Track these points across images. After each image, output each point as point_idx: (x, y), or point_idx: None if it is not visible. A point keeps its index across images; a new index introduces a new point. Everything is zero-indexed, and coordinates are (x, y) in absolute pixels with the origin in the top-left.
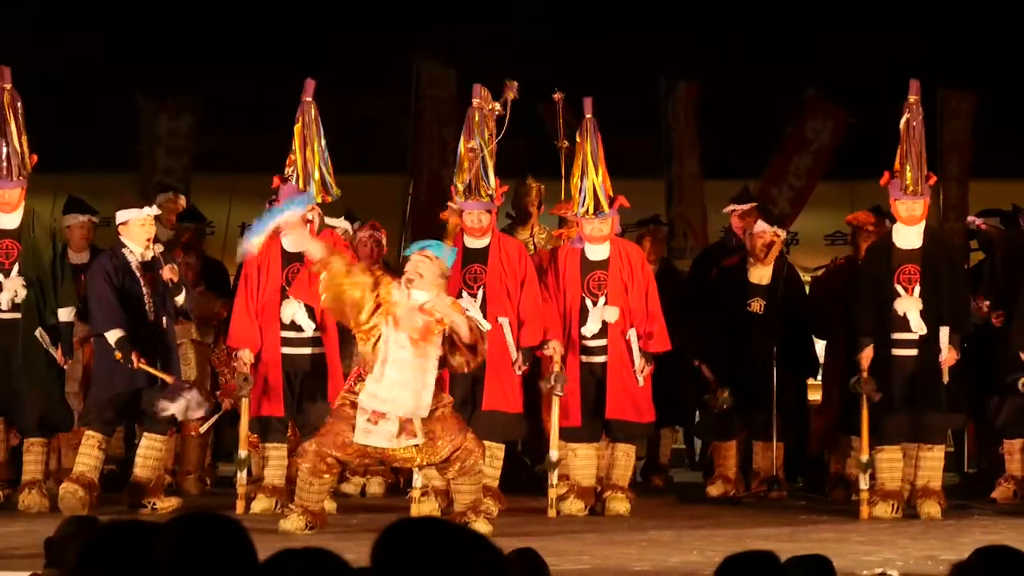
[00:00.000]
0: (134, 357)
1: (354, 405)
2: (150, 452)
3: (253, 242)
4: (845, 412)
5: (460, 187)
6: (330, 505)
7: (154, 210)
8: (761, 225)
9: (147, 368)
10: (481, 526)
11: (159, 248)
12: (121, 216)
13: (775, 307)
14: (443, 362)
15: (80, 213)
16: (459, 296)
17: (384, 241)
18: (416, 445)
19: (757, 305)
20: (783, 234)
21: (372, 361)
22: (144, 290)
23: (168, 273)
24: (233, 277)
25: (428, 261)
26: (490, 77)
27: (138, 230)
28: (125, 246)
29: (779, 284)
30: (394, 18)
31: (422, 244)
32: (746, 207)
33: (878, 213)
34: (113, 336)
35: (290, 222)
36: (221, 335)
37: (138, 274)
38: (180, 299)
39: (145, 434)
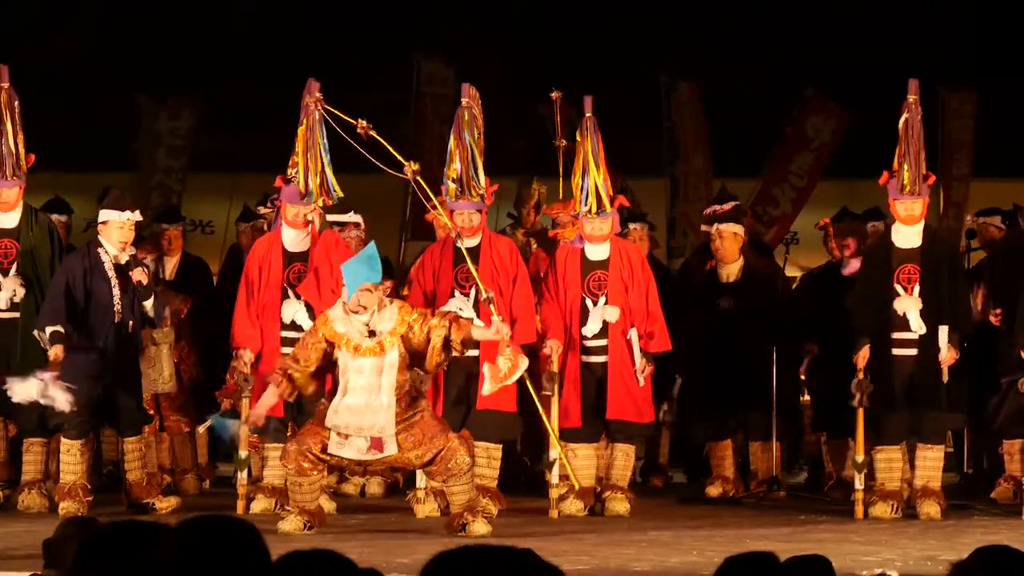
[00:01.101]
0: (55, 351)
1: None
2: (131, 455)
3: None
4: (820, 411)
5: (451, 185)
6: (330, 505)
7: (135, 215)
8: (704, 228)
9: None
10: (479, 527)
11: (132, 251)
12: (101, 215)
13: (746, 304)
14: (416, 363)
15: (53, 212)
16: (451, 296)
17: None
18: (390, 455)
19: (727, 303)
20: (729, 229)
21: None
22: (115, 292)
23: (138, 275)
24: (217, 276)
25: (369, 293)
26: (490, 76)
27: (116, 232)
28: (101, 245)
29: (747, 280)
30: (394, 18)
31: (356, 275)
32: (725, 207)
33: (837, 220)
34: (49, 330)
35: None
36: (183, 332)
37: (111, 275)
38: (148, 304)
39: (122, 439)
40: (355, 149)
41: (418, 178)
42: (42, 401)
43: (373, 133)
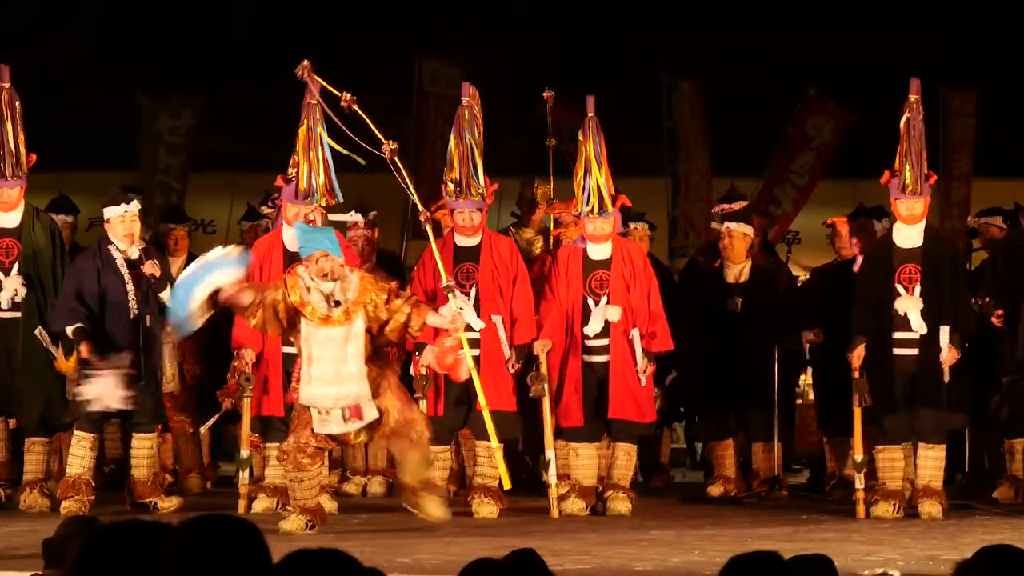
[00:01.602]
0: (83, 347)
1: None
2: (141, 452)
3: (184, 317)
4: (823, 410)
5: (451, 186)
6: (331, 505)
7: (133, 206)
8: (714, 226)
9: (92, 358)
10: (432, 508)
11: (142, 244)
12: (104, 214)
13: (753, 304)
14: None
15: (59, 213)
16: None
17: (374, 238)
18: (371, 420)
19: (734, 304)
20: (739, 229)
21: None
22: (128, 287)
23: (150, 268)
24: None
25: (328, 258)
26: (490, 76)
27: (118, 227)
28: (111, 243)
29: (755, 281)
30: (395, 17)
31: (311, 244)
32: (735, 206)
33: (853, 218)
34: (71, 329)
35: (229, 285)
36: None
37: (123, 271)
38: (164, 295)
39: (133, 434)
40: (354, 146)
41: (395, 158)
42: (110, 402)
43: (356, 108)
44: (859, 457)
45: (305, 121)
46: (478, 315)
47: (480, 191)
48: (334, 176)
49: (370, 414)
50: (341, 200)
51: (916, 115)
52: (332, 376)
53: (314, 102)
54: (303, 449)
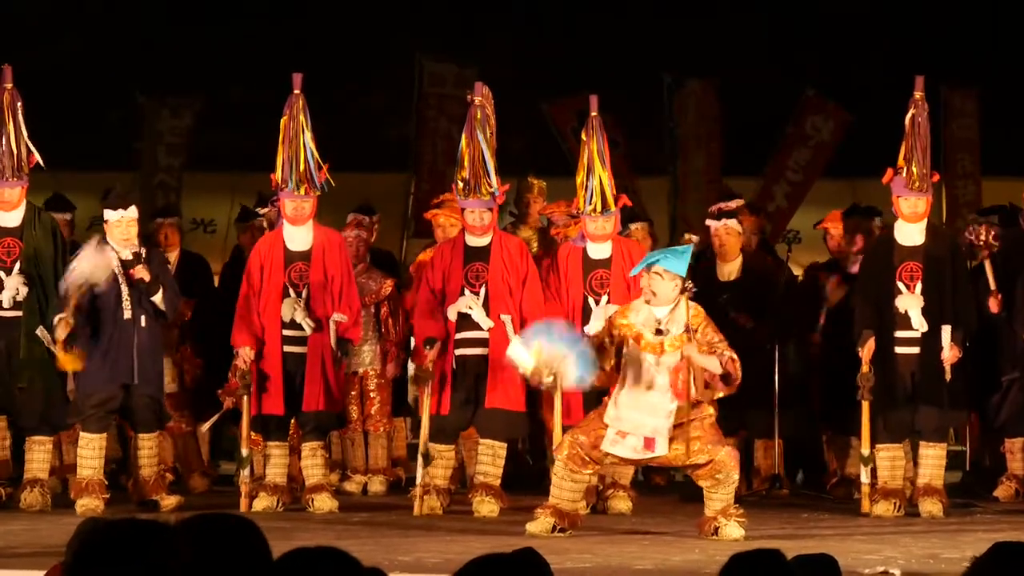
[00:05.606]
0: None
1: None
2: (144, 452)
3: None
4: (825, 408)
5: (460, 184)
6: (332, 503)
7: (131, 212)
8: (710, 222)
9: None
10: (733, 530)
11: (135, 247)
12: (104, 215)
13: (747, 302)
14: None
15: (56, 211)
16: (461, 294)
17: (370, 239)
18: (660, 456)
19: (724, 301)
20: (733, 226)
21: (614, 379)
22: (123, 288)
23: (139, 272)
24: (219, 276)
25: (660, 278)
26: (493, 75)
27: (116, 230)
28: (107, 243)
29: (747, 278)
30: (395, 17)
31: (652, 258)
32: (731, 205)
33: (847, 215)
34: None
35: None
36: (186, 334)
37: (117, 272)
38: (157, 298)
39: (136, 435)
40: (354, 146)
41: None
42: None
43: None
44: (865, 452)
45: (287, 112)
46: (487, 314)
47: (491, 190)
48: (314, 167)
49: (660, 450)
50: (319, 191)
51: (921, 112)
52: (648, 404)
53: (297, 92)
54: (578, 452)
